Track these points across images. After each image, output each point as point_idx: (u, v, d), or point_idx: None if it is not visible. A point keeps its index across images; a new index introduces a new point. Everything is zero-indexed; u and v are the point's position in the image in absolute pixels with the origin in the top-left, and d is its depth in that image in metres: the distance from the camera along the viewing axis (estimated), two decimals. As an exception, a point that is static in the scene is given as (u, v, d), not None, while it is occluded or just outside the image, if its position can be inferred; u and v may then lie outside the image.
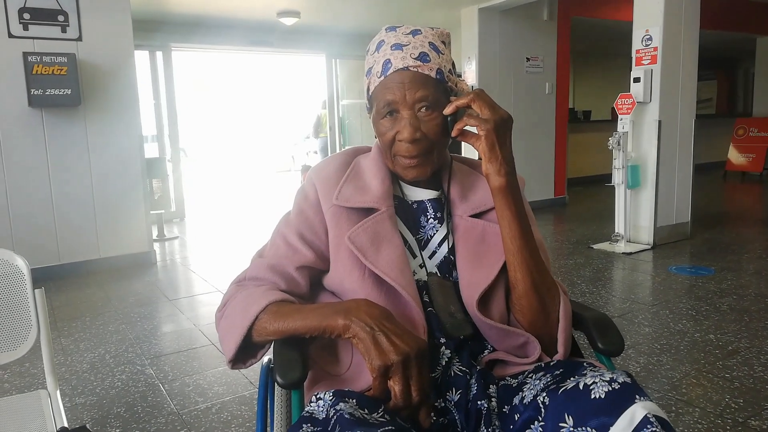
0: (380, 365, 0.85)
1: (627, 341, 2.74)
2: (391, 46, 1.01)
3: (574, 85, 10.60)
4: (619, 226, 4.72)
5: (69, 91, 4.05)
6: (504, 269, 1.01)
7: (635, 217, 4.78)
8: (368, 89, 1.06)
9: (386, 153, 1.05)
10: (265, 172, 15.11)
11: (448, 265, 1.05)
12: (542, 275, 0.99)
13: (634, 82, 4.56)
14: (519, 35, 6.45)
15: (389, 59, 1.00)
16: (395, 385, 0.85)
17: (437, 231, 1.07)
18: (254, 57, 11.75)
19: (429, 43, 1.01)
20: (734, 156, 9.19)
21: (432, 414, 0.91)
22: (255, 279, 1.04)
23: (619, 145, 4.54)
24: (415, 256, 1.05)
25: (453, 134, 1.00)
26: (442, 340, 0.98)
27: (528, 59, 6.55)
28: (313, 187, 1.07)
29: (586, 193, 7.98)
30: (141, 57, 6.31)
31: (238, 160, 15.70)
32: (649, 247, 4.66)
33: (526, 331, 0.99)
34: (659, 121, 4.55)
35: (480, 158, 1.00)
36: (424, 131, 1.00)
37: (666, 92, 4.56)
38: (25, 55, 3.93)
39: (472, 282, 1.00)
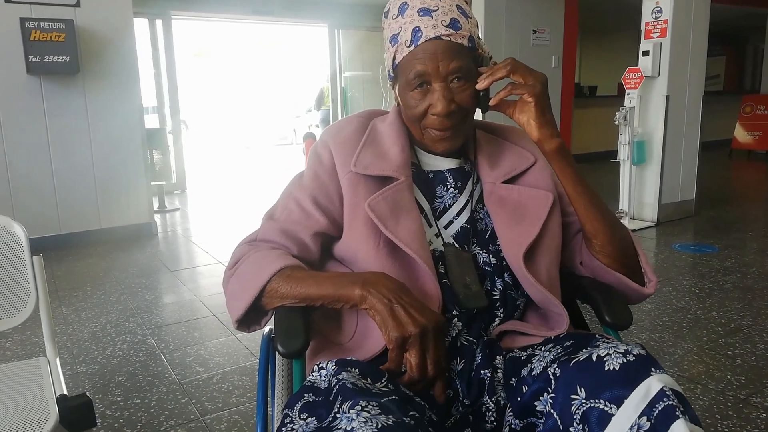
0: (397, 336, 0.84)
1: (629, 317, 2.73)
2: (419, 11, 0.95)
3: (581, 60, 10.45)
4: (624, 203, 4.69)
5: (67, 58, 3.98)
6: (545, 230, 1.00)
7: (640, 193, 4.74)
8: (394, 59, 0.99)
9: (415, 125, 1.01)
10: (266, 144, 15.04)
11: (466, 235, 1.02)
12: (614, 218, 1.02)
13: (643, 55, 4.48)
14: (526, 6, 6.32)
15: (418, 26, 0.94)
16: (411, 358, 0.84)
17: (456, 200, 1.04)
18: (256, 26, 11.59)
19: (457, 6, 0.96)
20: (740, 134, 9.10)
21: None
22: (267, 242, 1.01)
23: (625, 120, 4.48)
24: (431, 226, 1.02)
25: (492, 103, 0.96)
26: (455, 312, 0.95)
27: (535, 31, 6.43)
28: (329, 151, 1.03)
29: (591, 170, 7.91)
30: (140, 25, 6.20)
31: (239, 132, 15.60)
32: (653, 224, 4.64)
33: (617, 276, 1.01)
34: (667, 96, 4.48)
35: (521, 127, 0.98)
36: (458, 102, 0.95)
37: (675, 67, 4.48)
38: (23, 20, 3.85)
39: (514, 239, 0.99)
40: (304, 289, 0.91)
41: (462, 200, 1.04)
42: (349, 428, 0.68)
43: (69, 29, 3.97)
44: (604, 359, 0.77)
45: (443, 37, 0.93)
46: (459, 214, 1.03)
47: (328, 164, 1.02)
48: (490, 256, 1.00)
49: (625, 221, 4.62)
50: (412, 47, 0.94)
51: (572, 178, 0.97)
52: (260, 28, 13.35)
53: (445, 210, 1.04)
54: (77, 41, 4.05)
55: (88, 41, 4.18)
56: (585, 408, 0.75)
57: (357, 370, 0.82)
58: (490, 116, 1.01)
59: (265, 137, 15.43)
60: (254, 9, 7.15)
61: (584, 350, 0.81)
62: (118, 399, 2.08)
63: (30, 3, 3.93)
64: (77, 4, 4.09)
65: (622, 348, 0.77)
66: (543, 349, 0.89)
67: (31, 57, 3.88)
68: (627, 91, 4.54)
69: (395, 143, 1.02)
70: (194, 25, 8.99)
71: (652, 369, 0.74)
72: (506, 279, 0.99)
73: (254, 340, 2.56)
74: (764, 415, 1.90)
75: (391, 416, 0.71)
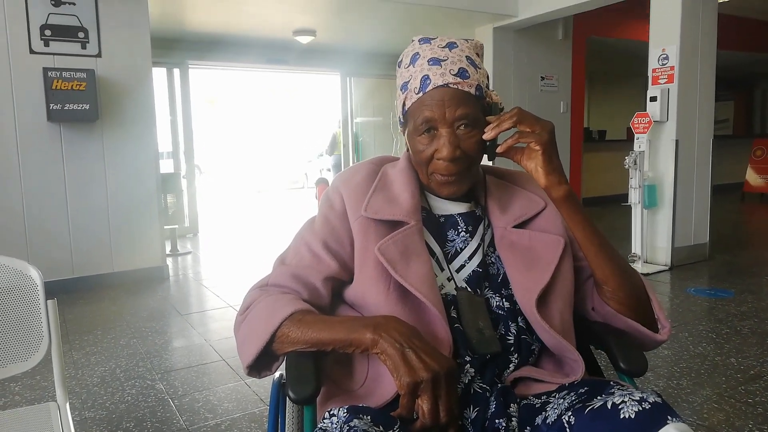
0: (409, 382, 0.83)
1: (645, 363, 2.67)
2: (429, 61, 0.98)
3: (589, 105, 10.58)
4: (636, 247, 4.65)
5: (87, 107, 4.10)
6: (557, 274, 1.00)
7: (652, 237, 4.71)
8: (404, 105, 1.03)
9: (422, 170, 1.04)
10: (278, 188, 15.20)
11: (478, 279, 1.02)
12: (625, 264, 1.01)
13: (651, 101, 4.53)
14: (534, 54, 6.46)
15: (427, 75, 0.97)
16: (423, 404, 0.83)
17: (468, 244, 1.05)
18: (270, 74, 11.89)
19: (466, 57, 0.99)
20: (752, 177, 9.08)
21: None
22: (277, 286, 1.02)
23: (635, 164, 4.49)
24: (442, 269, 1.02)
25: (500, 150, 0.98)
26: (467, 358, 0.95)
27: (543, 78, 6.55)
28: (340, 196, 1.05)
29: (602, 213, 7.89)
30: (158, 74, 6.39)
31: (251, 176, 15.81)
32: (667, 268, 4.59)
33: (628, 322, 1.00)
34: (676, 141, 4.51)
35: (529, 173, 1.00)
36: (464, 149, 0.98)
37: (683, 111, 4.52)
38: (45, 70, 3.99)
39: (527, 284, 0.99)
40: (316, 334, 0.91)
41: (473, 244, 1.05)
42: None
43: (90, 78, 4.10)
44: (620, 407, 0.75)
45: (451, 85, 0.96)
46: (471, 257, 1.04)
47: (340, 209, 1.04)
48: (503, 300, 1.00)
49: (638, 265, 4.57)
50: (421, 94, 0.98)
51: (581, 224, 0.98)
52: (273, 75, 13.68)
53: (457, 254, 1.04)
54: (97, 90, 4.18)
55: (108, 90, 4.30)
56: None
57: (369, 417, 0.81)
58: (499, 161, 1.02)
59: (277, 182, 15.62)
60: (269, 58, 7.36)
61: (599, 398, 0.80)
62: (126, 446, 2.05)
63: (53, 54, 4.08)
64: (99, 55, 4.24)
65: (637, 395, 0.76)
66: (557, 396, 0.88)
67: (52, 105, 4.00)
68: (636, 135, 4.58)
69: (405, 188, 1.04)
70: (208, 72, 9.23)
71: (669, 417, 0.73)
72: (520, 324, 0.99)
73: (264, 386, 2.53)
74: (789, 467, 1.83)
75: None
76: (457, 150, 0.97)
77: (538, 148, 0.94)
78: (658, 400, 0.76)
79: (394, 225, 1.01)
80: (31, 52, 4.02)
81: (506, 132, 0.98)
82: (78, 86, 4.06)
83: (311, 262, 1.02)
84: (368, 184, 1.05)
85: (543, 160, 0.94)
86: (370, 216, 1.00)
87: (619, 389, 0.81)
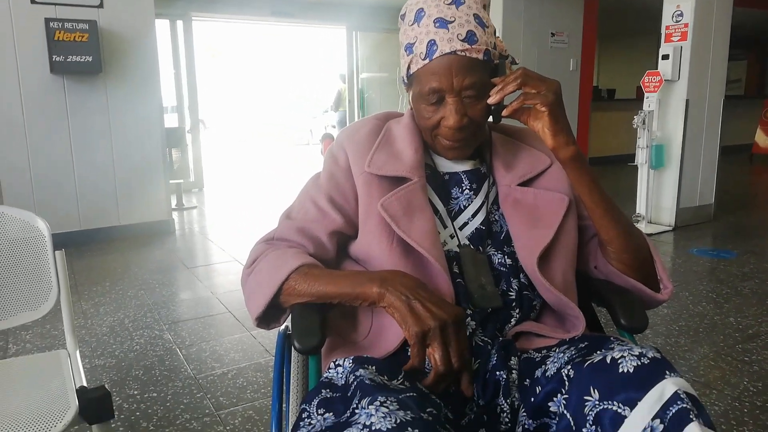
0: (418, 331, 0.84)
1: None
2: (435, 22, 0.94)
3: (599, 63, 10.37)
4: (641, 207, 4.65)
5: (90, 58, 4.05)
6: (561, 233, 1.00)
7: (657, 197, 4.70)
8: (408, 67, 1.00)
9: (427, 133, 1.02)
10: (283, 144, 15.13)
11: (481, 236, 1.03)
12: (630, 226, 1.01)
13: (663, 59, 4.44)
14: (544, 10, 6.30)
15: (434, 40, 0.93)
16: (434, 352, 0.85)
17: (472, 202, 1.05)
18: (274, 28, 11.67)
19: (474, 15, 0.95)
20: (761, 139, 8.97)
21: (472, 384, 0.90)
22: (283, 240, 1.03)
23: (644, 123, 4.44)
24: (445, 226, 1.03)
25: (505, 113, 0.95)
26: (469, 312, 0.96)
27: (553, 34, 6.40)
28: (344, 152, 1.04)
29: (608, 173, 7.86)
30: (161, 26, 6.27)
31: (256, 132, 15.72)
32: (671, 228, 4.59)
33: (631, 282, 1.01)
34: (687, 100, 4.44)
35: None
36: (470, 116, 0.96)
37: (695, 70, 4.43)
38: (47, 21, 3.92)
39: (530, 243, 0.99)
40: (322, 287, 0.93)
41: (477, 202, 1.05)
42: (368, 423, 0.69)
43: (92, 30, 4.03)
44: (618, 361, 0.77)
45: (458, 52, 0.93)
46: (474, 215, 1.04)
47: (344, 165, 1.04)
48: (506, 257, 1.01)
49: (641, 225, 4.58)
50: (427, 60, 0.95)
51: (588, 185, 0.97)
52: (277, 29, 13.44)
53: (461, 211, 1.04)
54: (100, 41, 4.12)
55: (111, 42, 4.24)
56: (598, 409, 0.75)
57: (374, 367, 0.83)
58: (506, 119, 1.01)
59: (281, 137, 15.53)
60: (273, 11, 7.21)
61: (598, 352, 0.81)
62: (135, 392, 2.11)
63: (55, 4, 4.00)
64: (101, 5, 4.16)
65: (636, 351, 0.77)
66: (557, 350, 0.89)
67: (54, 57, 3.95)
68: (646, 94, 4.50)
69: (409, 145, 1.04)
70: (210, 25, 9.07)
71: (667, 372, 0.74)
72: (522, 280, 1.00)
73: (269, 336, 2.59)
74: (781, 423, 1.88)
75: (409, 412, 0.71)
76: (464, 118, 0.96)
77: (544, 109, 0.92)
78: (657, 355, 0.77)
79: (397, 181, 1.01)
80: (33, 2, 3.94)
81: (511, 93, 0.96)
82: (80, 37, 4.00)
83: (317, 216, 1.02)
84: (372, 139, 1.05)
85: (549, 120, 0.92)
86: (374, 172, 1.00)
87: (618, 344, 0.82)
